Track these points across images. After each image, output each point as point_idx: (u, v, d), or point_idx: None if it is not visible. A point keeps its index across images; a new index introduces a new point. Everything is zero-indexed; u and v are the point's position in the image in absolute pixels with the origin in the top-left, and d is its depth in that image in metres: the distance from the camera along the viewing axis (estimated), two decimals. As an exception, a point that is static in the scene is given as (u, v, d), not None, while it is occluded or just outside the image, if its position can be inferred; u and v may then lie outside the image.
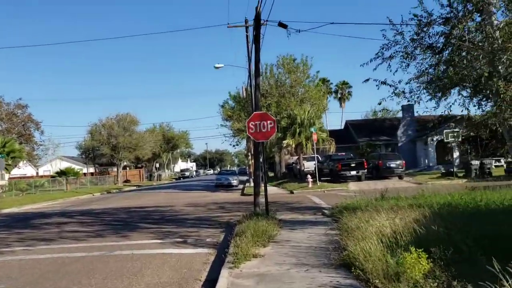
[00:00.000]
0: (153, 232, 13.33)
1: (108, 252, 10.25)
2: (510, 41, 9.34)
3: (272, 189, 30.71)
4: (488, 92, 10.40)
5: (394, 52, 11.60)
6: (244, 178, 42.78)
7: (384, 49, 11.93)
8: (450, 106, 12.74)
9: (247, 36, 27.59)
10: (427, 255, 5.65)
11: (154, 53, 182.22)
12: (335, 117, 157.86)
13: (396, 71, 11.81)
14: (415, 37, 11.44)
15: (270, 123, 13.12)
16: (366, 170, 30.13)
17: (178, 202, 24.32)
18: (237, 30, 27.64)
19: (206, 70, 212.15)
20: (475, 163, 28.08)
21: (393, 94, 11.91)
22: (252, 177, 22.47)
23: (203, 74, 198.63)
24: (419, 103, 13.00)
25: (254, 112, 13.55)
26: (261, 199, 14.20)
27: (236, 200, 24.26)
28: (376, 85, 12.10)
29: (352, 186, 27.88)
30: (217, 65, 31.27)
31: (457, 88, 35.11)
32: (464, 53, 10.80)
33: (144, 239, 11.97)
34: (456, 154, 36.50)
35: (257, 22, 13.61)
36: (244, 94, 33.33)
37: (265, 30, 19.25)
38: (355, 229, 8.18)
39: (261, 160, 14.28)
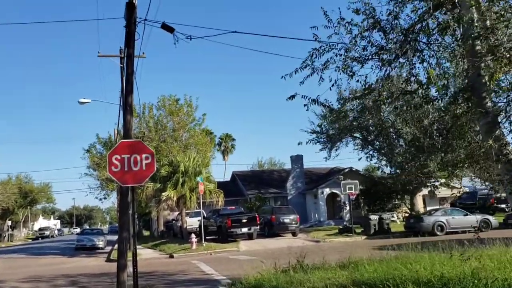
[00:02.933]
0: None
1: None
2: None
3: (147, 252, 25.23)
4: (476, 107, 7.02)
5: (332, 57, 8.04)
6: (115, 238, 36.22)
7: (314, 55, 8.37)
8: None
9: (121, 68, 23.47)
10: None
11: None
12: (218, 170, 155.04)
13: (334, 83, 8.19)
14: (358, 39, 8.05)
15: (147, 158, 8.55)
16: (258, 227, 26.31)
17: (15, 274, 17.83)
18: (109, 66, 22.86)
19: (75, 113, 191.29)
20: (374, 218, 25.92)
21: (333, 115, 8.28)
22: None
23: (70, 119, 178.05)
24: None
25: (121, 141, 8.86)
26: (130, 269, 9.33)
27: (98, 269, 18.50)
28: (305, 105, 8.41)
29: (244, 246, 23.74)
30: (82, 100, 25.77)
31: (347, 139, 33.10)
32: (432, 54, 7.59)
33: None
34: (347, 208, 34.72)
35: (130, 11, 9.26)
36: (116, 137, 27.97)
37: (139, 49, 15.12)
38: None
39: (130, 214, 9.48)
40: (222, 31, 11.25)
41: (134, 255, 9.11)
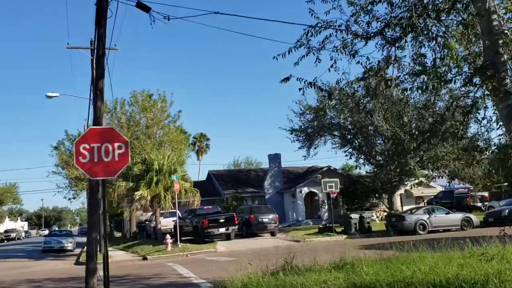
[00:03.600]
0: None
1: None
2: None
3: (118, 255, 23.94)
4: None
5: (332, 34, 7.20)
6: (85, 239, 34.51)
7: (310, 34, 7.52)
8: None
9: (92, 61, 22.38)
10: None
11: None
12: (193, 170, 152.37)
13: (334, 63, 7.34)
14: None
15: (120, 147, 7.52)
16: (236, 227, 25.34)
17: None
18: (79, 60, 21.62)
19: (43, 110, 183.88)
20: (355, 217, 25.31)
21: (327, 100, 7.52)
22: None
23: (38, 116, 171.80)
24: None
25: (91, 127, 7.80)
26: (100, 272, 8.30)
27: (65, 273, 17.19)
28: (300, 89, 7.50)
29: (221, 247, 22.74)
30: (50, 94, 24.33)
31: (326, 137, 32.34)
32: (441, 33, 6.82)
33: None
34: (325, 207, 34.16)
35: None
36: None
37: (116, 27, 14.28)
38: None
39: (101, 212, 8.40)
40: (203, 11, 10.26)
41: (105, 257, 8.05)
